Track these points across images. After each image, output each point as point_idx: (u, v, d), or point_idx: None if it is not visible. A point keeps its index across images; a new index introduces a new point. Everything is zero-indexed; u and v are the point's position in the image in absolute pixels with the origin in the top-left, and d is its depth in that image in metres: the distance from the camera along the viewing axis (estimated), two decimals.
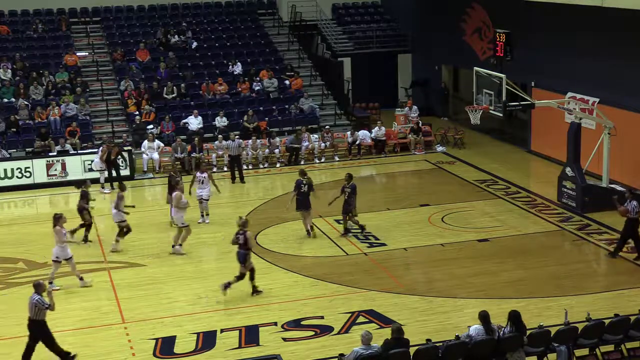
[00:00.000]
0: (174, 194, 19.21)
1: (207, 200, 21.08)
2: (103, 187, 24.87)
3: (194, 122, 28.66)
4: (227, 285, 16.26)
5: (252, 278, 16.44)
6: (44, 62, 31.39)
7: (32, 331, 13.72)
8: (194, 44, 33.28)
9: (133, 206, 20.50)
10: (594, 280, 17.36)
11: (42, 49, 32.42)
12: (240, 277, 16.27)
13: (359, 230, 19.99)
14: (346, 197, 19.62)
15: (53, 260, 17.05)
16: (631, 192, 18.27)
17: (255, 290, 16.52)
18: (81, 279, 17.13)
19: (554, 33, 25.91)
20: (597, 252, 18.95)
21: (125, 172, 25.61)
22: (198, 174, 21.07)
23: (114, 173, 25.14)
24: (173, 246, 19.10)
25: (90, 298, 16.67)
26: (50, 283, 16.67)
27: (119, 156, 25.43)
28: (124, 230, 19.38)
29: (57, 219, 16.91)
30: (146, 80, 30.58)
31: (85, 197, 19.96)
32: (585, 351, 12.96)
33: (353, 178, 19.95)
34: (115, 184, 24.95)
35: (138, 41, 32.90)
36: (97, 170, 25.03)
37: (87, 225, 19.92)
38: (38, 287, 13.81)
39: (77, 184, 21.21)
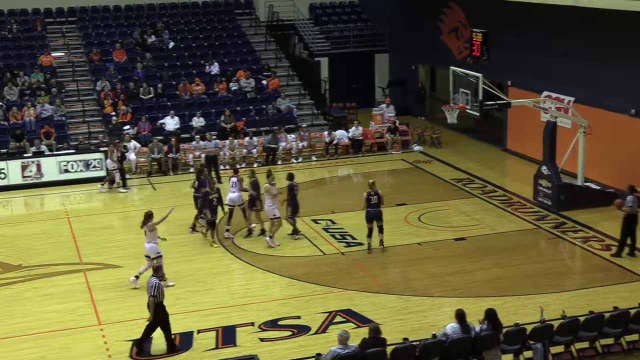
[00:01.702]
0: (264, 185, 19.13)
1: (242, 205, 20.28)
2: (102, 186, 24.74)
3: (171, 123, 28.52)
4: (369, 247, 18.55)
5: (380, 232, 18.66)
6: (18, 63, 31.12)
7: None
8: (171, 44, 33.13)
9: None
10: (569, 277, 17.47)
11: (17, 49, 32.12)
12: (369, 234, 18.51)
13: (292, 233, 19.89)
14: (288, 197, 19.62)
15: (146, 256, 16.81)
16: (632, 187, 18.10)
17: (381, 243, 18.68)
18: (165, 279, 16.53)
19: (530, 33, 26.05)
20: (573, 250, 19.09)
21: (101, 172, 25.42)
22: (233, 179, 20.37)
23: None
24: (270, 237, 19.22)
25: (66, 300, 16.52)
26: (137, 277, 16.85)
27: (122, 150, 25.31)
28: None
29: (149, 217, 16.69)
30: (123, 80, 30.41)
31: (203, 186, 19.87)
32: (560, 348, 13.08)
33: (293, 178, 19.77)
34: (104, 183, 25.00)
35: (114, 41, 32.70)
36: (111, 171, 24.76)
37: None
38: (156, 271, 13.93)
39: (198, 172, 20.94)
